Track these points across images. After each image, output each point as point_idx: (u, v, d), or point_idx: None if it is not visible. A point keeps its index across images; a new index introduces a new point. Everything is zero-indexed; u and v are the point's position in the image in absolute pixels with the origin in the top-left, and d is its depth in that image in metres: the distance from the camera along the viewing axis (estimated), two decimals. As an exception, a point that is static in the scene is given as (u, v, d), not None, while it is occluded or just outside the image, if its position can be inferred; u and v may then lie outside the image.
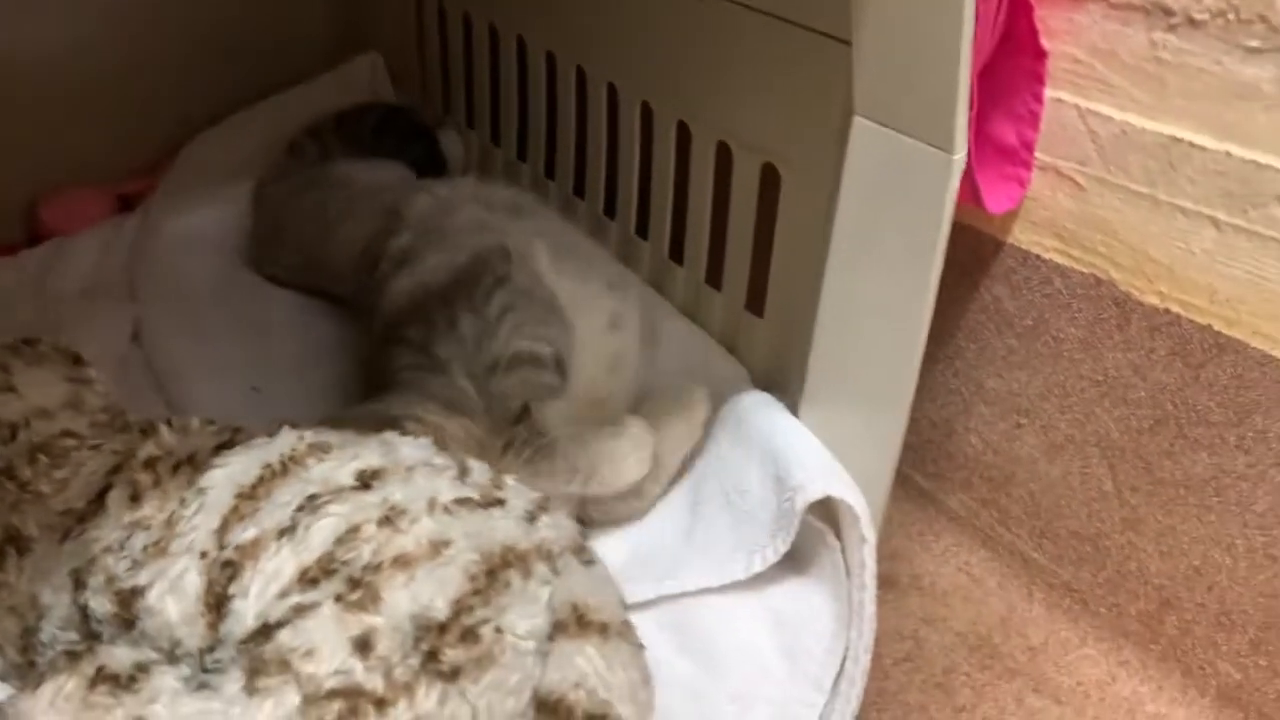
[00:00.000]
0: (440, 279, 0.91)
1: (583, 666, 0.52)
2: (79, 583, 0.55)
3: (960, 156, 0.64)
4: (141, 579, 0.53)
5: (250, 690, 0.47)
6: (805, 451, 0.76)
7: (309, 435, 0.59)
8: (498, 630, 0.52)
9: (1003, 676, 0.85)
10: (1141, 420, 0.79)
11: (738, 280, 0.92)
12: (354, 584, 0.51)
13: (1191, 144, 0.71)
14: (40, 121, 1.25)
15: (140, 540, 0.54)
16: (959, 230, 0.85)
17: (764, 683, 0.73)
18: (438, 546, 0.53)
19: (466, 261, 0.91)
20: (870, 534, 0.72)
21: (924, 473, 0.99)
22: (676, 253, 0.99)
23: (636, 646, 0.56)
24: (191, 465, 0.57)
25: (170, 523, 0.54)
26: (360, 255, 1.04)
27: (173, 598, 0.52)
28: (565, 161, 1.11)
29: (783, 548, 0.75)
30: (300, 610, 0.50)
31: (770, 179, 0.85)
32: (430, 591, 0.52)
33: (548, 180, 1.15)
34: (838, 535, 0.75)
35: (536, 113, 1.13)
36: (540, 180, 1.16)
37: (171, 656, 0.51)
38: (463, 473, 0.60)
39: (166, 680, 0.48)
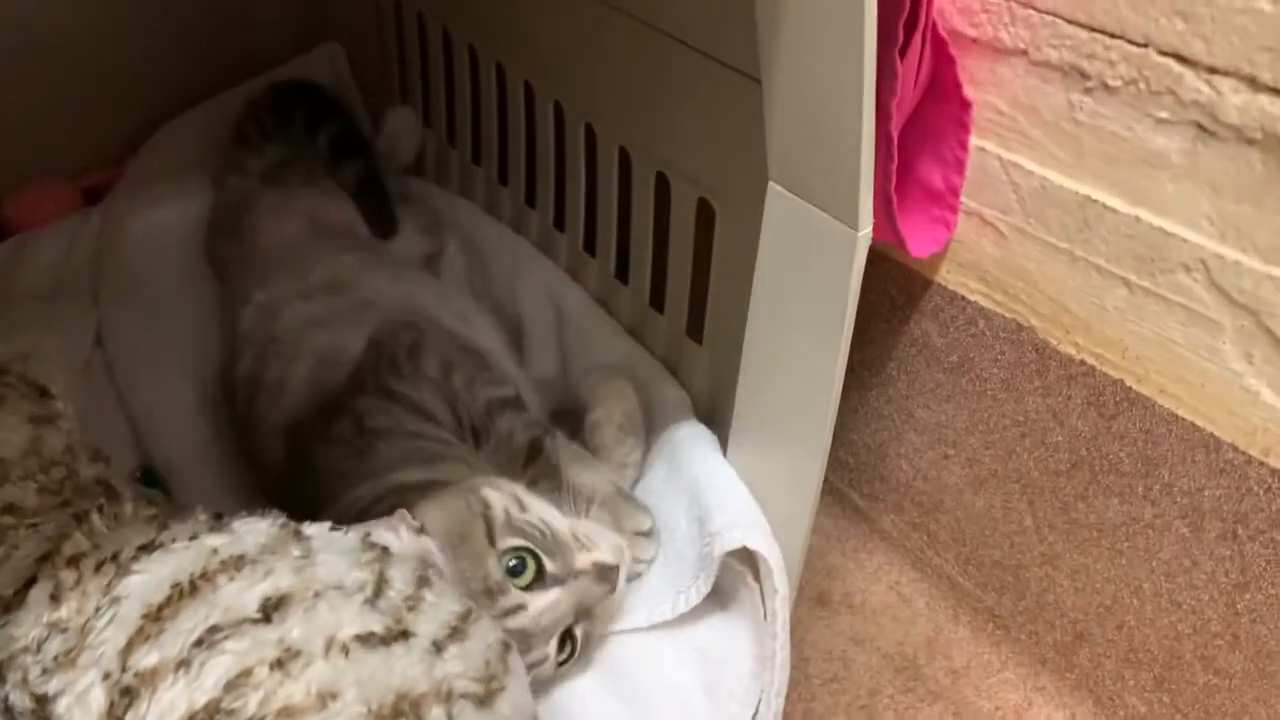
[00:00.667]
0: (329, 382, 0.90)
1: None
2: (0, 676, 0.57)
3: (865, 233, 0.65)
4: (52, 687, 0.55)
5: None
6: (727, 496, 0.79)
7: (225, 544, 0.59)
8: None
9: (925, 700, 0.88)
10: (1059, 463, 0.81)
11: (678, 305, 0.93)
12: None
13: (1105, 205, 0.72)
14: (1, 113, 1.25)
15: (55, 646, 0.56)
16: (891, 265, 0.87)
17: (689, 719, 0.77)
18: (325, 698, 0.53)
19: (365, 350, 0.91)
20: (783, 585, 0.74)
21: (860, 493, 1.01)
22: (623, 273, 1.00)
23: None
24: (114, 564, 0.59)
25: (84, 631, 0.56)
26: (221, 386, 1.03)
27: (79, 710, 0.54)
28: (517, 172, 1.12)
29: (705, 589, 0.77)
30: None
31: (711, 212, 0.85)
32: None
33: (501, 187, 1.15)
34: (757, 577, 0.77)
35: (488, 121, 1.13)
36: (494, 187, 1.16)
37: None
38: (378, 591, 0.59)
39: None
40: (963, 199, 0.81)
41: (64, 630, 0.57)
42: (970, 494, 0.89)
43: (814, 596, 0.96)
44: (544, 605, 0.72)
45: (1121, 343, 0.74)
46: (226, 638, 0.55)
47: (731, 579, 0.80)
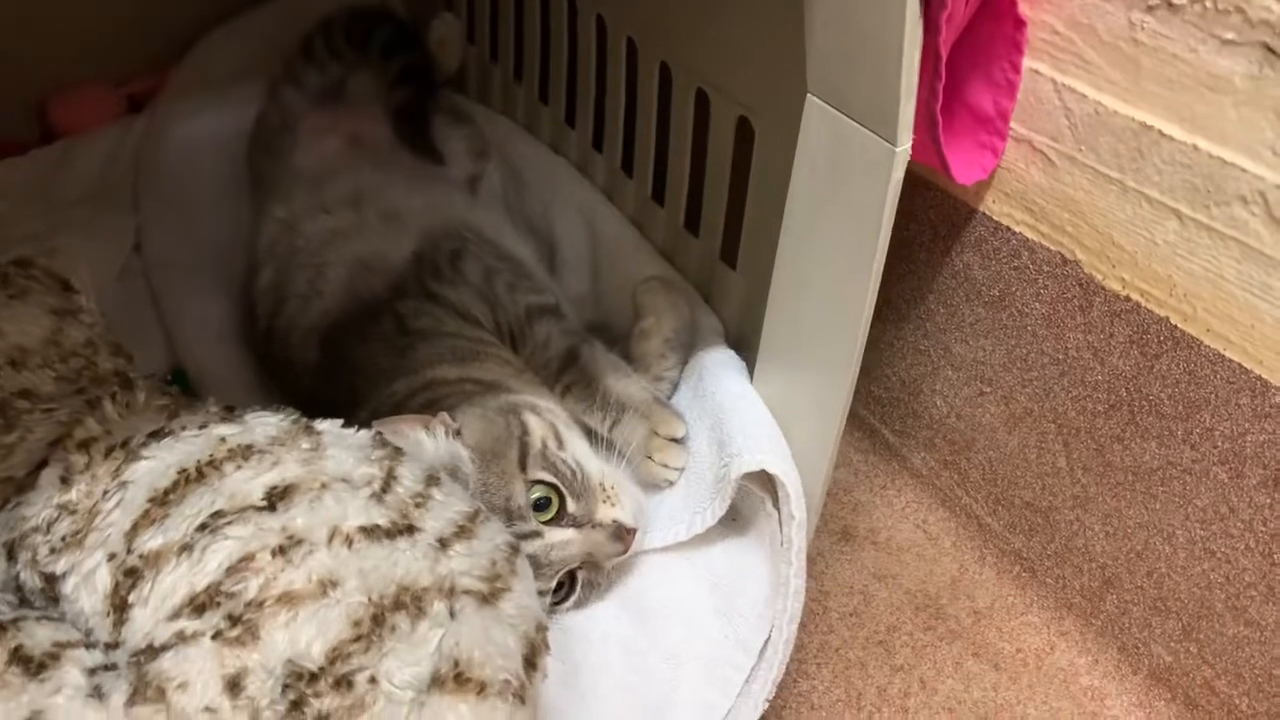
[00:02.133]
0: (367, 287, 0.90)
1: None
2: (10, 555, 0.57)
3: (904, 149, 0.62)
4: (59, 566, 0.55)
5: (129, 710, 0.49)
6: (750, 419, 0.77)
7: (234, 434, 0.59)
8: (372, 680, 0.52)
9: (945, 639, 0.87)
10: (1097, 403, 0.78)
11: (713, 229, 0.91)
12: (235, 620, 0.51)
13: (1161, 133, 0.68)
14: (49, 19, 1.25)
15: (63, 527, 0.56)
16: (934, 192, 0.84)
17: (697, 642, 0.76)
18: (326, 586, 0.53)
19: (409, 259, 0.91)
20: (800, 511, 0.73)
21: (892, 429, 0.99)
22: (659, 195, 0.98)
23: (514, 705, 0.54)
24: (124, 450, 0.59)
25: (91, 514, 0.56)
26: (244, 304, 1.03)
27: (85, 590, 0.55)
28: (558, 90, 1.10)
29: (720, 511, 0.76)
30: (183, 638, 0.51)
31: (750, 132, 0.83)
32: (309, 636, 0.51)
33: (542, 105, 1.13)
34: (776, 504, 0.76)
35: (531, 37, 1.11)
36: (535, 105, 1.14)
37: (89, 640, 0.54)
38: (386, 486, 0.59)
39: (72, 675, 0.50)
40: (1012, 125, 0.77)
41: (73, 512, 0.57)
42: (1004, 433, 0.87)
43: (839, 531, 0.95)
44: (558, 541, 0.72)
45: (1170, 279, 0.71)
46: (230, 523, 0.55)
47: (751, 505, 0.78)
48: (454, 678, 0.53)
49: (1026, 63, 0.75)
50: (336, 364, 0.87)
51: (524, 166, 1.13)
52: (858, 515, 0.96)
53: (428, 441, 0.70)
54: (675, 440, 0.81)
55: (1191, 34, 0.65)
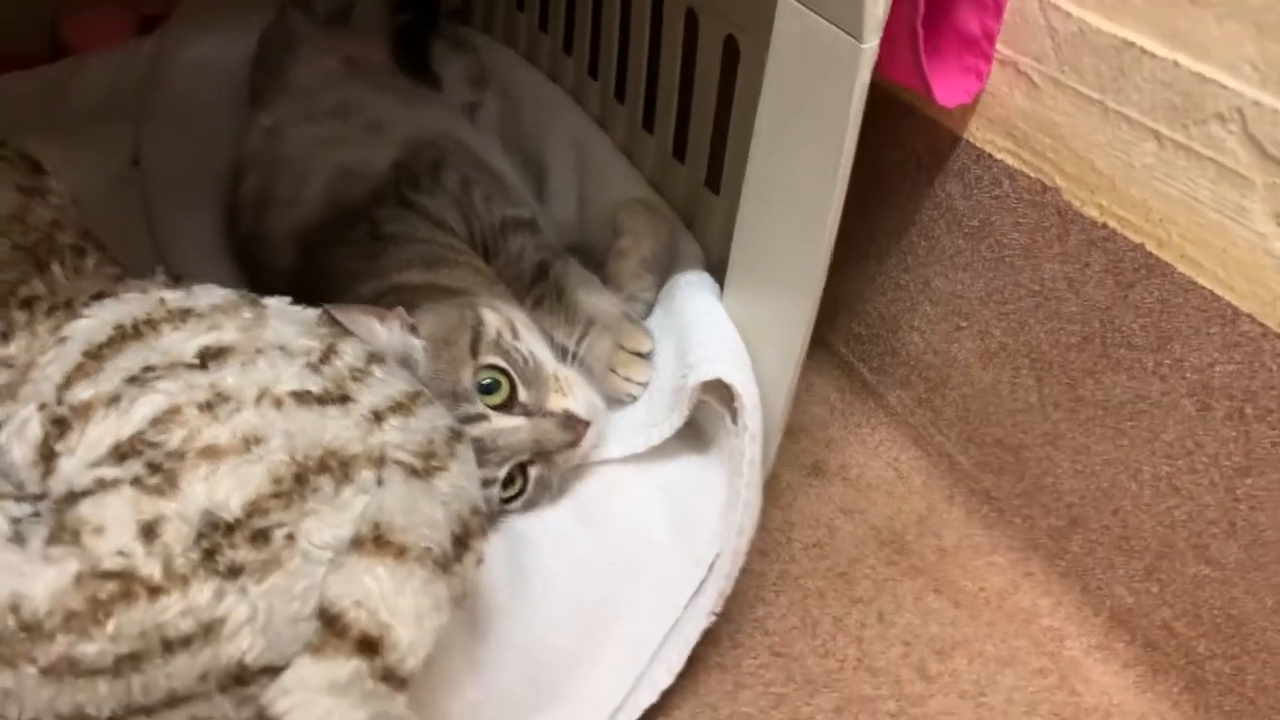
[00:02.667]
0: (348, 194, 0.90)
1: (369, 586, 0.51)
2: (-49, 409, 0.58)
3: (870, 46, 0.61)
4: (-6, 418, 0.56)
5: (44, 553, 0.49)
6: (712, 332, 0.76)
7: (176, 298, 0.59)
8: (289, 537, 0.52)
9: (907, 574, 0.86)
10: (1070, 335, 0.77)
11: (699, 154, 0.90)
12: (155, 469, 0.52)
13: (1143, 50, 0.66)
14: (66, -63, 1.26)
15: (2, 379, 0.56)
16: (919, 119, 0.82)
17: (648, 554, 0.75)
18: (249, 442, 0.53)
19: (390, 168, 0.90)
20: (754, 423, 0.72)
21: (869, 366, 0.98)
22: (649, 123, 0.97)
23: (435, 573, 0.54)
24: (67, 310, 0.59)
25: (28, 367, 0.56)
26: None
27: (17, 441, 0.55)
28: (556, 18, 1.09)
29: (677, 423, 0.75)
30: (102, 484, 0.51)
31: (737, 56, 0.82)
32: (227, 488, 0.51)
33: (542, 34, 1.13)
34: (736, 420, 0.75)
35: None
36: (536, 35, 1.14)
37: (19, 493, 0.54)
38: (325, 358, 0.59)
39: None
40: (998, 47, 0.76)
41: (11, 366, 0.58)
42: (979, 368, 0.85)
43: (809, 465, 0.94)
44: (504, 426, 0.71)
45: (1146, 204, 0.69)
46: (159, 378, 0.55)
47: (713, 423, 0.78)
48: (373, 540, 0.53)
49: (1014, -19, 0.73)
50: (311, 269, 0.87)
51: (521, 95, 1.12)
52: (830, 451, 0.95)
53: (380, 330, 0.70)
54: (640, 355, 0.80)
55: (1176, -55, 0.63)
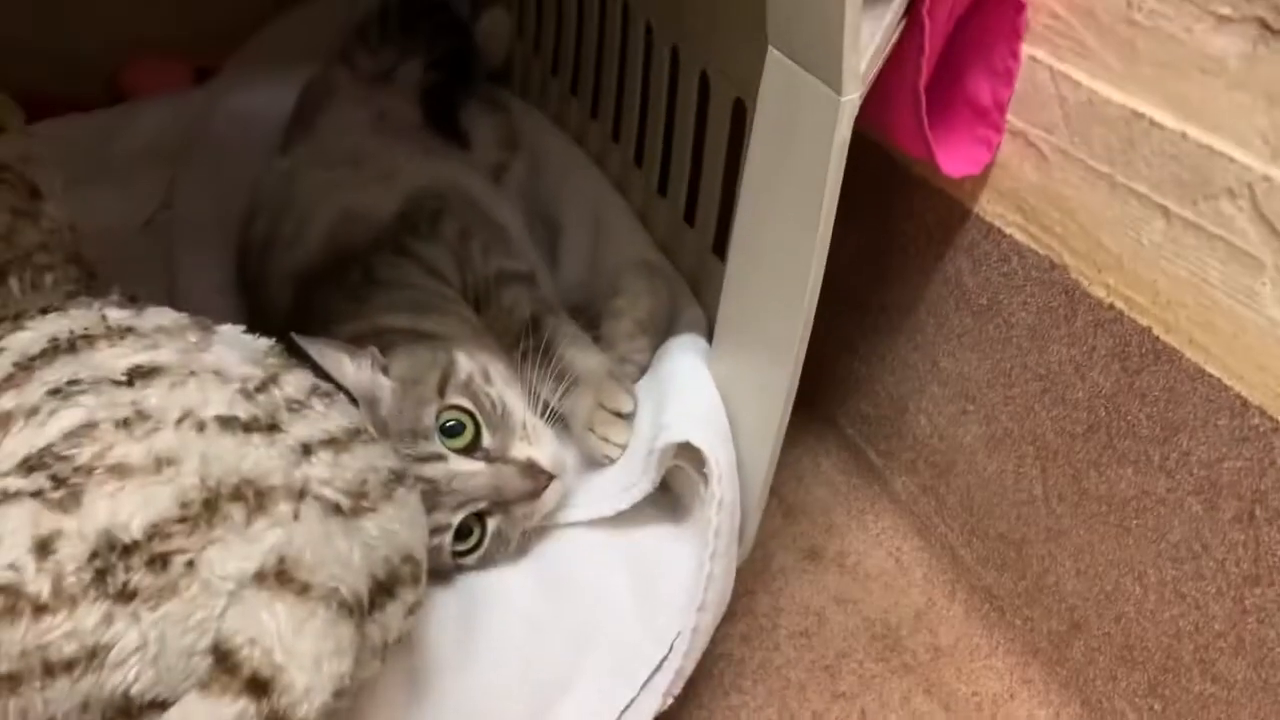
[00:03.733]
0: (349, 238, 0.89)
1: (266, 623, 0.48)
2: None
3: (849, 99, 0.58)
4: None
5: None
6: (691, 394, 0.73)
7: (120, 316, 0.57)
8: (190, 564, 0.49)
9: (897, 672, 0.80)
10: (1076, 424, 0.72)
11: (708, 217, 0.88)
12: (60, 483, 0.49)
13: (1152, 121, 0.63)
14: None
15: None
16: (930, 192, 0.79)
17: (608, 627, 0.71)
18: (161, 463, 0.51)
19: (394, 213, 0.90)
20: (727, 492, 0.68)
21: (876, 449, 0.93)
22: (664, 187, 0.96)
23: (340, 616, 0.51)
24: (13, 323, 0.58)
25: (-40, 379, 0.55)
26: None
27: None
28: (586, 81, 1.09)
29: (647, 487, 0.72)
30: (5, 496, 0.49)
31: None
32: (130, 509, 0.49)
33: (572, 97, 1.12)
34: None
35: (567, 31, 1.11)
36: (566, 97, 1.14)
37: None
38: (262, 387, 0.57)
39: None
40: (1009, 117, 0.73)
41: (-57, 378, 0.57)
42: (984, 455, 0.80)
43: (806, 549, 0.89)
44: (462, 469, 0.69)
45: (1154, 284, 0.65)
46: (82, 392, 0.53)
47: (689, 491, 0.74)
48: (276, 575, 0.50)
49: (1025, 49, 0.71)
50: (303, 309, 0.86)
51: (546, 156, 1.12)
52: (830, 537, 0.90)
53: (349, 366, 0.68)
54: (621, 415, 0.77)
55: (1188, 11, 0.60)
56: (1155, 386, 0.66)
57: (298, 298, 0.88)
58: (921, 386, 0.86)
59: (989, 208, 0.76)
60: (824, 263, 0.64)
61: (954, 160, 0.74)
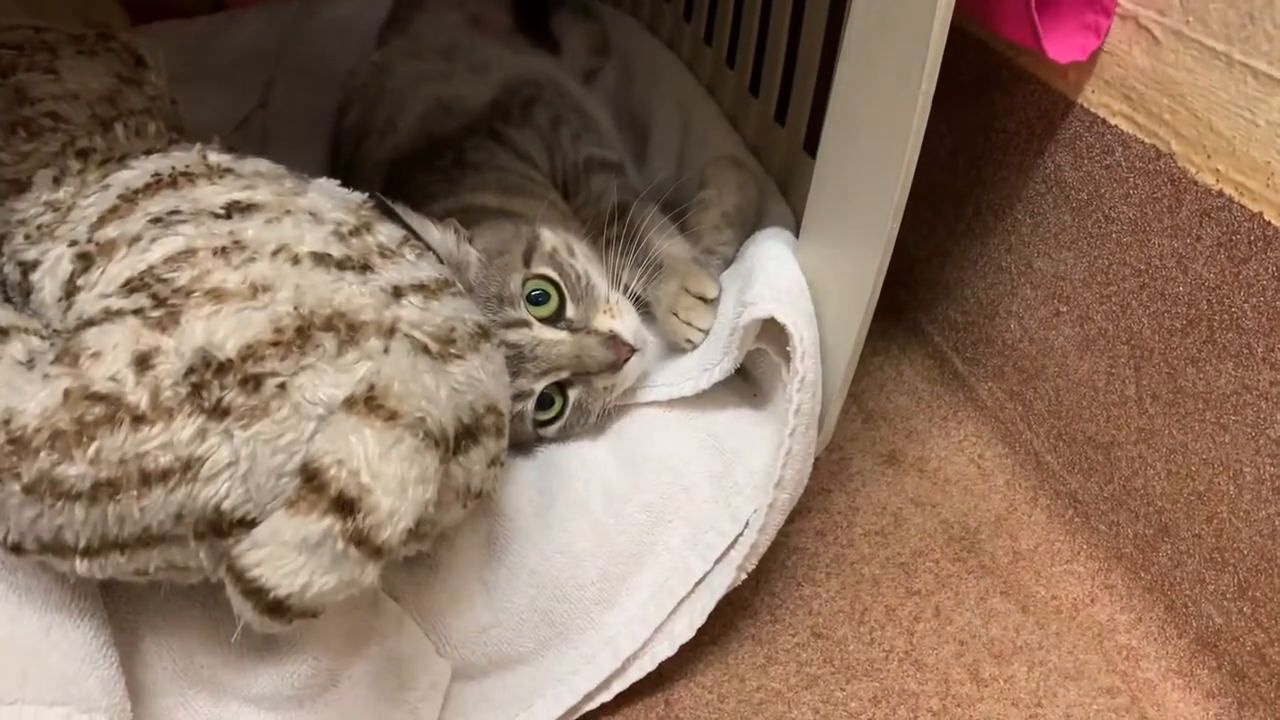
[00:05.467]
0: (441, 125, 0.90)
1: (354, 446, 0.48)
2: (-1, 249, 0.59)
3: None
4: (32, 255, 0.56)
5: (43, 373, 0.49)
6: (775, 275, 0.72)
7: (221, 159, 0.59)
8: (281, 386, 0.50)
9: (974, 572, 0.79)
10: (1175, 319, 0.69)
11: (800, 116, 0.87)
12: (160, 302, 0.51)
13: (1275, -8, 0.60)
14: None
15: (44, 219, 0.57)
16: (1033, 86, 0.77)
17: (684, 503, 0.71)
18: (257, 290, 0.52)
19: (488, 101, 0.90)
20: (810, 370, 0.67)
21: (963, 356, 0.92)
22: (756, 86, 0.95)
23: (426, 445, 0.51)
24: (118, 164, 0.60)
25: (70, 210, 0.57)
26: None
27: (49, 278, 0.55)
28: (679, -16, 1.08)
29: (729, 367, 0.71)
30: (108, 314, 0.51)
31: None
32: (226, 330, 0.50)
33: (665, 3, 1.11)
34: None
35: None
36: (659, 5, 1.13)
37: (45, 332, 0.55)
38: (356, 231, 0.58)
39: (14, 349, 0.51)
40: (1119, 0, 0.70)
41: (56, 209, 0.58)
42: (1075, 357, 0.78)
43: (885, 454, 0.88)
44: (546, 337, 0.69)
45: (1268, 166, 0.62)
46: (182, 221, 0.54)
47: (770, 376, 0.73)
48: (365, 401, 0.51)
49: (1141, -73, 0.68)
50: (394, 193, 0.87)
51: (636, 60, 1.11)
52: (910, 442, 0.89)
53: (435, 231, 0.69)
54: (704, 300, 0.77)
55: None
56: (1263, 275, 0.63)
57: (388, 183, 0.89)
58: (1013, 290, 0.84)
59: (1093, 98, 0.74)
60: (919, 145, 0.62)
61: (1061, 47, 0.72)
